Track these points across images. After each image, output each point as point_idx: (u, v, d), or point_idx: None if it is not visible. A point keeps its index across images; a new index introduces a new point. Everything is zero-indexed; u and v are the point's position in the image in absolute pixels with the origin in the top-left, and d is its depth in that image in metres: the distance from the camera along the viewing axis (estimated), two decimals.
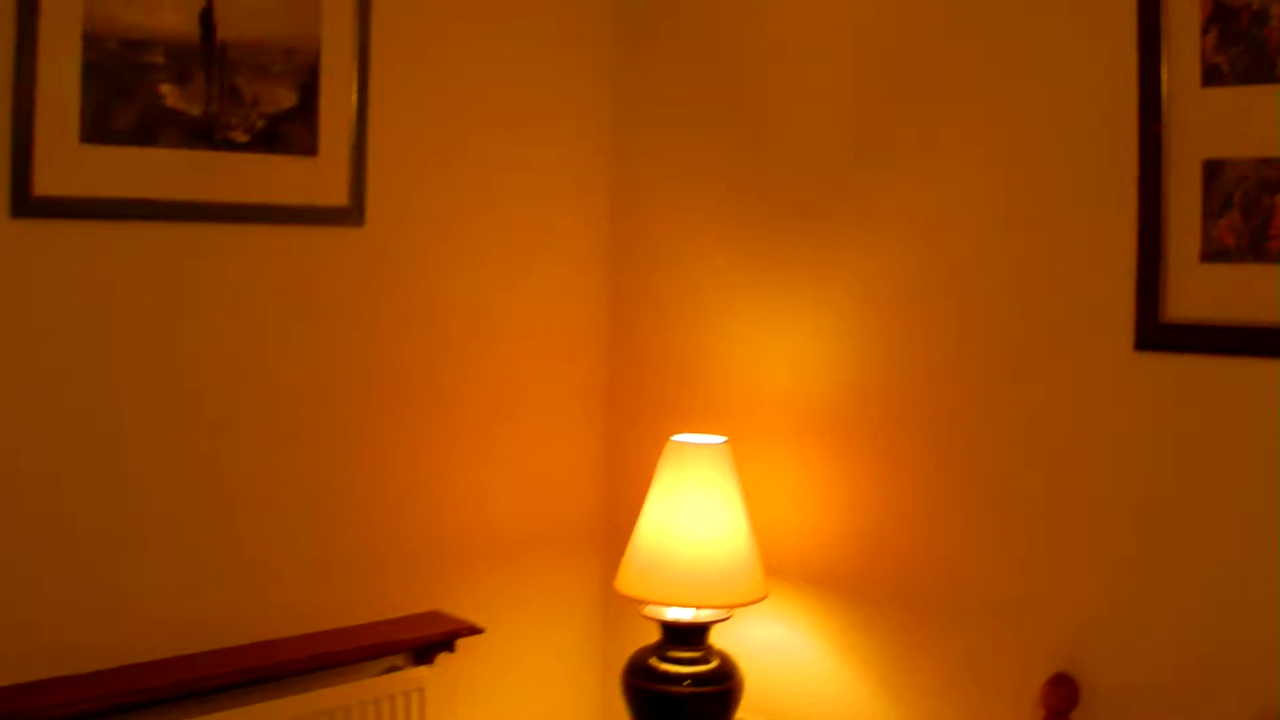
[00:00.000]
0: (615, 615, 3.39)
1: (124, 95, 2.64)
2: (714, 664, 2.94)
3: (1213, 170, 2.57)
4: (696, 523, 2.89)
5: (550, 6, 3.37)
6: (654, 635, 2.99)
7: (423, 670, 3.01)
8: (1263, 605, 2.44)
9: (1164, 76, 2.61)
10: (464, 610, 3.16)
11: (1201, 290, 2.58)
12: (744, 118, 3.23)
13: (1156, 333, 2.61)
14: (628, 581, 2.96)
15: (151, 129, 2.68)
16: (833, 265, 3.06)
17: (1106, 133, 2.65)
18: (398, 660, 3.00)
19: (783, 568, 3.07)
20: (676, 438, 3.01)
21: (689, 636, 2.94)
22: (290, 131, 2.88)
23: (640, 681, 2.94)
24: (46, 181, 2.55)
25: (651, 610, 2.97)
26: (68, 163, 2.58)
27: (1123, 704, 2.59)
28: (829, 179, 3.08)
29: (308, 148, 2.91)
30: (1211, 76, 2.58)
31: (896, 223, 2.97)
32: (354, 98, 2.97)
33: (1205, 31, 2.58)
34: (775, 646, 3.11)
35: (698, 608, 2.92)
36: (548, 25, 3.36)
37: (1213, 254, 2.57)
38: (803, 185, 3.13)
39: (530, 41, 3.32)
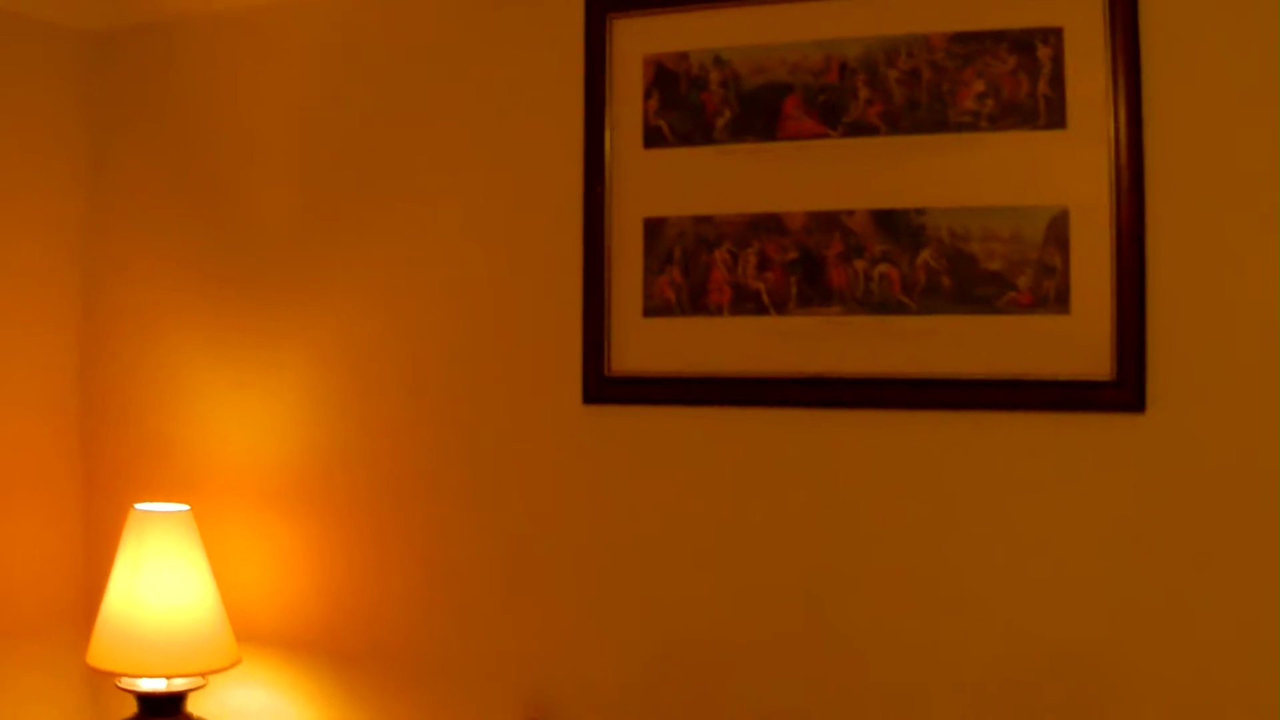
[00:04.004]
0: (98, 691, 3.22)
1: None
2: None
3: (653, 229, 2.69)
4: (161, 592, 2.80)
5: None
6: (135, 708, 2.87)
7: None
8: (711, 645, 2.60)
9: (607, 139, 2.72)
10: None
11: (645, 344, 2.70)
12: (207, 193, 3.15)
13: (602, 386, 2.71)
14: (99, 655, 2.83)
15: None
16: (291, 332, 3.03)
17: (556, 195, 2.75)
18: None
19: (256, 633, 3.00)
20: (139, 506, 2.91)
21: (165, 707, 2.83)
22: None
23: None
24: None
25: (126, 683, 2.85)
26: None
27: None
28: (283, 247, 3.05)
29: None
30: (653, 139, 2.71)
31: (350, 288, 2.97)
32: None
33: (648, 96, 2.71)
34: (253, 712, 3.02)
35: (169, 677, 2.82)
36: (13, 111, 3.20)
37: (654, 309, 2.69)
38: (259, 254, 3.09)
39: None
